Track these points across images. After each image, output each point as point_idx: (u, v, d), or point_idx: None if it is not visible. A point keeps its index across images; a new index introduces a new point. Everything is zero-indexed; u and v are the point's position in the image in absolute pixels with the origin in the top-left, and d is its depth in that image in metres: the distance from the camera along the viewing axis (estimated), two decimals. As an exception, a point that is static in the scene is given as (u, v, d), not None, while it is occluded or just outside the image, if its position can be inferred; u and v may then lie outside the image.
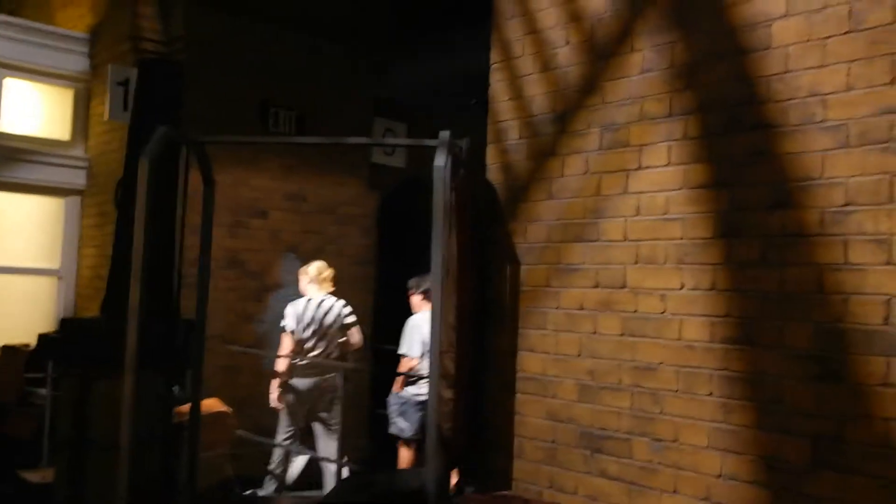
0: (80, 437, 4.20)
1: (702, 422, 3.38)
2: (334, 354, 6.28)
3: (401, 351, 6.08)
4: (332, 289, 6.38)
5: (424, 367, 5.78)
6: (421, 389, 5.89)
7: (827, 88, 3.11)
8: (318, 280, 6.34)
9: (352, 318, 6.31)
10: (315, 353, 6.20)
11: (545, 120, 4.16)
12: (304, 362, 6.19)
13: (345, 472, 6.14)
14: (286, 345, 6.17)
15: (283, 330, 6.19)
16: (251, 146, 7.35)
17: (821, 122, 3.12)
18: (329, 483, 6.22)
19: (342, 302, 6.36)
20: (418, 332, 5.90)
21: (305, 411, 6.25)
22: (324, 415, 6.27)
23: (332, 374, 6.22)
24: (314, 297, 6.29)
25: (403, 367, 6.06)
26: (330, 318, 6.24)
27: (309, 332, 6.16)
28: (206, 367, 4.94)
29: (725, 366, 3.33)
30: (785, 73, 3.24)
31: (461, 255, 4.09)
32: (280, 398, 6.18)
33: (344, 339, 6.32)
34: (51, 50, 8.07)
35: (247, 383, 6.89)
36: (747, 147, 3.33)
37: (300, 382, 6.20)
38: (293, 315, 6.20)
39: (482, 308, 4.33)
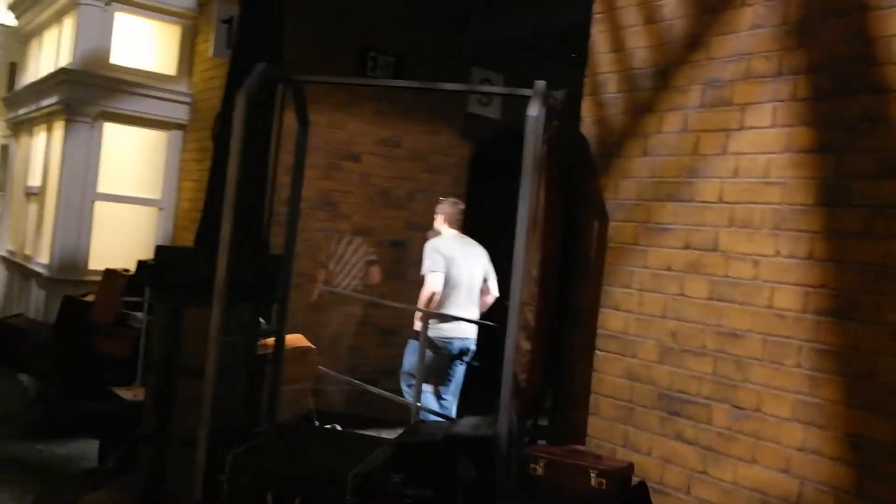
0: (169, 360, 4.36)
1: (787, 393, 3.27)
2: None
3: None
4: None
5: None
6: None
7: (953, 51, 2.91)
8: None
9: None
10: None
11: (645, 74, 4.04)
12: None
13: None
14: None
15: None
16: (346, 88, 7.40)
17: (943, 87, 2.92)
18: None
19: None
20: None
21: None
22: None
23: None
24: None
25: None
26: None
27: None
28: (294, 304, 5.06)
29: (817, 337, 3.20)
30: (908, 33, 3.04)
31: (549, 208, 4.04)
32: None
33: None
34: (160, -14, 8.28)
35: (332, 322, 7.05)
36: (860, 111, 3.16)
37: None
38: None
39: (568, 262, 4.28)
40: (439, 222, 6.26)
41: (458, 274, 6.01)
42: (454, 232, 6.22)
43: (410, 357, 6.08)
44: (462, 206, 6.28)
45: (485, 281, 6.22)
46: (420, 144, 7.93)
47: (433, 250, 6.05)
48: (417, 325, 5.98)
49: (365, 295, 6.79)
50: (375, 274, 6.99)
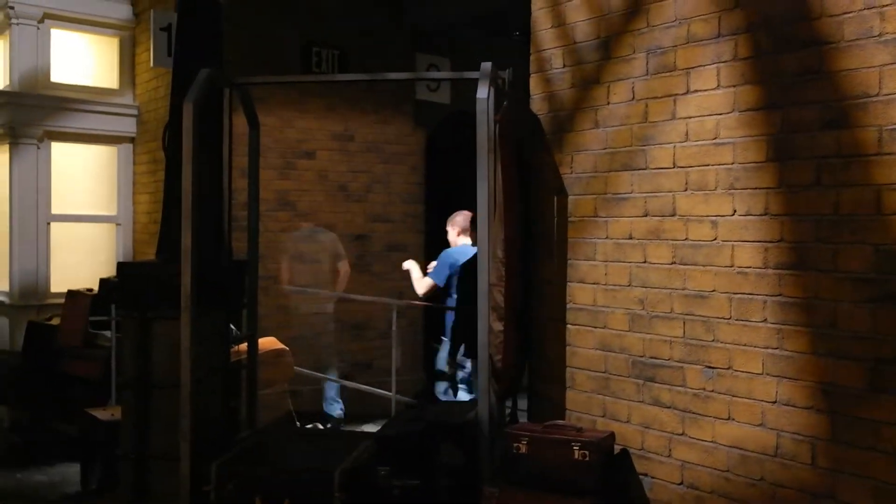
0: (142, 376, 4.33)
1: (756, 348, 3.34)
2: None
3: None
4: None
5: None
6: None
7: (885, 0, 2.97)
8: None
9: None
10: None
11: (589, 47, 4.06)
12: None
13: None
14: None
15: None
16: (294, 86, 7.35)
17: (878, 35, 2.98)
18: None
19: None
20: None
21: None
22: None
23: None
24: None
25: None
26: None
27: None
28: (262, 307, 5.04)
29: (779, 291, 3.27)
30: (840, -15, 3.10)
31: (507, 187, 4.07)
32: None
33: None
34: (94, -1, 8.13)
35: (302, 322, 7.03)
36: (800, 65, 3.21)
37: None
38: None
39: (531, 240, 4.31)
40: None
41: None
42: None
43: None
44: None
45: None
46: (373, 136, 7.91)
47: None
48: None
49: (332, 292, 6.78)
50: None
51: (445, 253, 6.20)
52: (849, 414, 3.04)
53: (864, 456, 2.99)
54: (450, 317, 6.06)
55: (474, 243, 5.68)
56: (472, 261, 6.07)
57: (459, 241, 6.28)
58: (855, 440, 3.02)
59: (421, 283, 6.23)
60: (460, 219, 6.32)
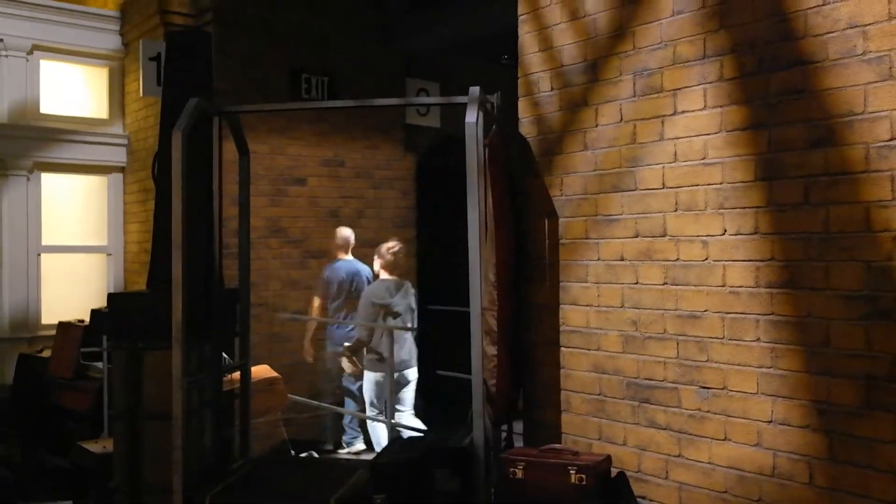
0: (133, 407, 4.29)
1: (750, 368, 3.33)
2: None
3: None
4: None
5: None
6: None
7: (867, 19, 2.99)
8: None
9: None
10: None
11: (576, 70, 4.08)
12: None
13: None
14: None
15: None
16: (284, 113, 7.36)
17: (862, 54, 3.01)
18: None
19: None
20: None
21: None
22: None
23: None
24: None
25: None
26: None
27: None
28: (255, 335, 5.01)
29: (771, 310, 3.27)
30: (822, 5, 3.12)
31: (498, 211, 4.06)
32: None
33: None
34: (82, 29, 8.16)
35: (296, 349, 7.00)
36: (785, 85, 3.23)
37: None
38: None
39: (523, 263, 4.30)
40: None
41: None
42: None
43: None
44: None
45: None
46: (363, 161, 7.92)
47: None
48: None
49: (326, 318, 6.76)
50: None
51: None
52: (844, 432, 3.03)
53: (861, 474, 2.98)
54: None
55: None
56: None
57: (338, 257, 7.12)
58: (851, 458, 3.01)
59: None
60: (339, 238, 7.14)
